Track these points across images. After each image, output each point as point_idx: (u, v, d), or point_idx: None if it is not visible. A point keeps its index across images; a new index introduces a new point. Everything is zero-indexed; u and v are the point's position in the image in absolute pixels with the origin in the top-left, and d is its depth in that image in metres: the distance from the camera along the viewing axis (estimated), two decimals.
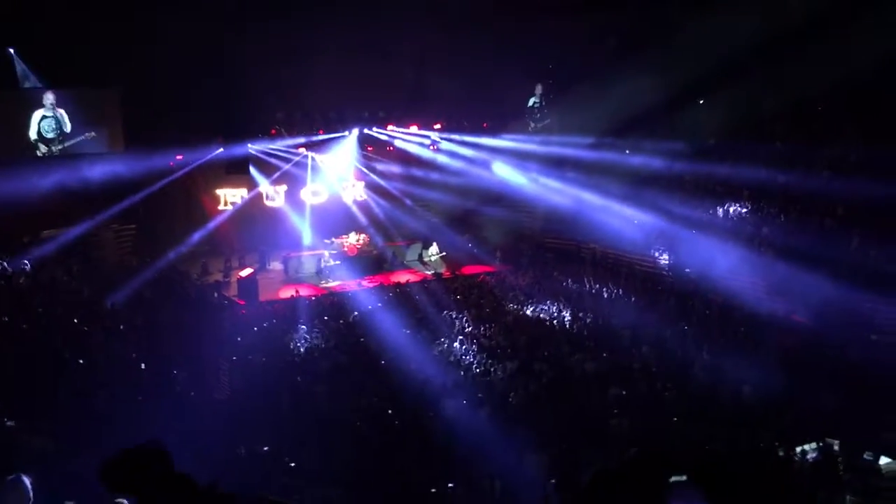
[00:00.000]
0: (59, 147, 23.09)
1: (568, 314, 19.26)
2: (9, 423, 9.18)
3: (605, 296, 20.92)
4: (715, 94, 24.30)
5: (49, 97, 22.90)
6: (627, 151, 26.55)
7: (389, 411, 12.33)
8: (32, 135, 22.76)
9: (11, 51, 22.25)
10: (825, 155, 21.14)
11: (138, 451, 2.83)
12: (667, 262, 22.69)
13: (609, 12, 24.80)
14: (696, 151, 25.08)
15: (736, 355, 14.47)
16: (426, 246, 27.20)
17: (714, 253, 20.12)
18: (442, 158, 29.76)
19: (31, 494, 4.35)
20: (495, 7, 25.42)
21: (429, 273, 25.46)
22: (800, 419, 11.15)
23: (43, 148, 22.91)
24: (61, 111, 22.97)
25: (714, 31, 22.73)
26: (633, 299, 20.17)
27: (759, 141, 23.29)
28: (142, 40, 20.70)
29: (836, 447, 9.65)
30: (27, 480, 4.37)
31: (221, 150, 25.81)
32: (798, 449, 9.77)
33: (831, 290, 16.30)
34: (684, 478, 2.20)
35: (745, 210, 22.04)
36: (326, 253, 25.50)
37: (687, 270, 21.33)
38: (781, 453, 9.66)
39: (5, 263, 17.00)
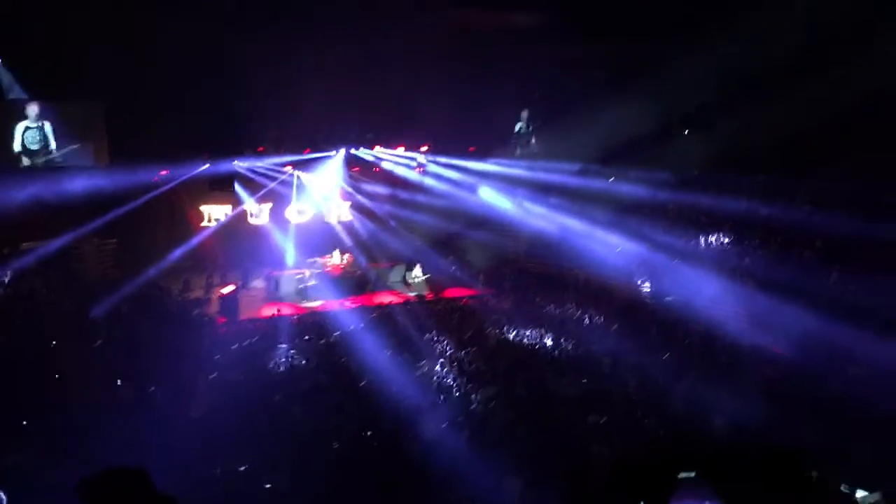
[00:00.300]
0: (43, 159, 22.97)
1: (549, 340, 19.26)
2: None
3: (588, 322, 20.95)
4: (700, 125, 24.59)
5: (33, 109, 22.83)
6: (612, 179, 26.72)
7: (368, 432, 12.25)
8: (16, 147, 22.65)
9: None
10: (806, 188, 21.41)
11: (120, 471, 2.79)
12: (649, 290, 22.81)
13: (596, 41, 25.05)
14: (681, 181, 25.30)
15: (716, 385, 14.49)
16: (410, 268, 27.20)
17: (696, 282, 20.23)
18: (428, 181, 29.85)
19: None
20: (483, 32, 25.64)
21: (411, 295, 25.42)
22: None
23: (26, 160, 22.79)
24: (46, 123, 22.88)
25: (701, 63, 23.06)
26: (614, 326, 20.21)
27: (742, 172, 23.53)
28: (129, 54, 20.66)
29: (813, 478, 9.63)
30: (3, 495, 4.29)
31: (207, 165, 25.78)
32: None
33: (811, 323, 16.40)
34: (693, 474, 2.20)
35: (727, 241, 22.23)
36: (307, 272, 25.43)
37: (669, 299, 21.44)
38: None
39: None
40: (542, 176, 27.75)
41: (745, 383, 14.82)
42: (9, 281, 17.60)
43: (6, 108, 22.84)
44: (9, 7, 19.83)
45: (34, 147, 22.89)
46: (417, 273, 26.80)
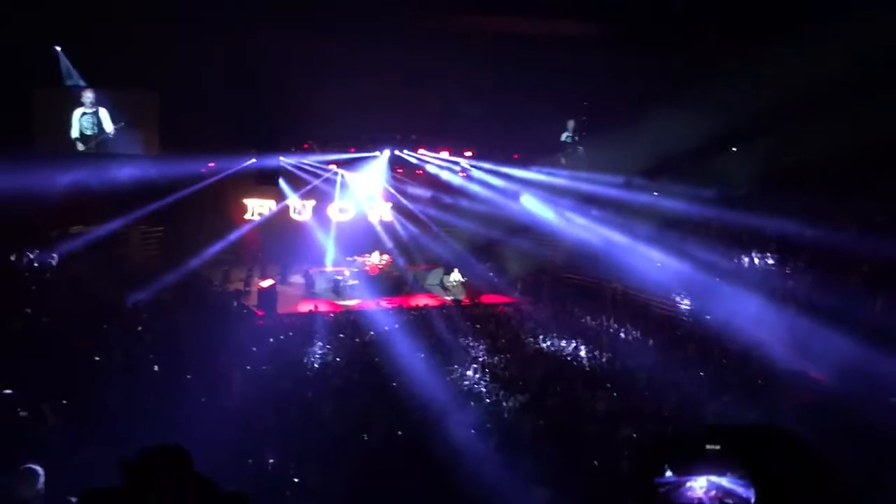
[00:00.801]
0: (97, 145, 23.51)
1: (584, 351, 19.14)
2: (21, 413, 9.26)
3: (623, 336, 20.78)
4: (748, 142, 24.26)
5: (89, 95, 23.38)
6: (656, 193, 26.49)
7: (404, 431, 12.28)
8: (74, 132, 23.23)
9: (58, 49, 22.74)
10: (854, 210, 20.98)
11: (162, 449, 2.85)
12: (688, 306, 22.54)
13: (646, 52, 24.86)
14: (726, 199, 24.97)
15: (750, 406, 14.28)
16: (448, 271, 27.24)
17: (736, 302, 19.93)
18: (471, 186, 29.92)
19: (43, 484, 4.40)
20: (531, 39, 25.58)
21: (448, 299, 25.44)
22: None
23: (81, 145, 23.35)
24: (101, 110, 23.42)
25: (751, 79, 22.78)
26: (650, 341, 20.01)
27: (789, 192, 23.15)
28: (185, 46, 21.04)
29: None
30: (40, 470, 4.41)
31: (253, 160, 26.11)
32: None
33: (852, 349, 16.05)
34: (718, 447, 2.22)
35: (770, 261, 21.86)
36: (347, 271, 25.61)
37: (707, 317, 21.16)
38: None
39: (32, 256, 17.24)
40: (585, 186, 27.59)
41: (780, 406, 14.58)
42: (55, 264, 18.01)
43: (64, 94, 23.44)
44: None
45: (89, 132, 23.45)
46: (455, 277, 26.84)
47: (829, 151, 22.14)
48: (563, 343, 19.97)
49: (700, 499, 2.19)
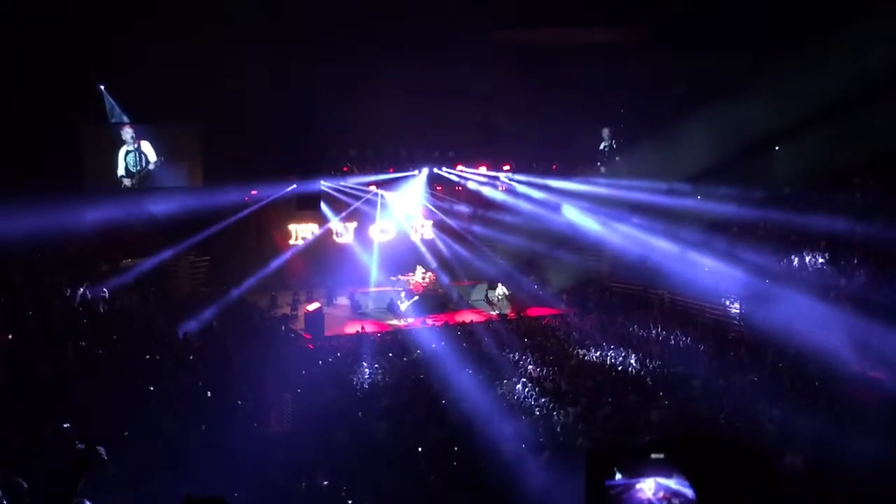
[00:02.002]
0: (140, 179, 24.05)
1: (634, 360, 18.88)
2: (79, 446, 9.42)
3: (673, 343, 20.46)
4: (793, 140, 23.82)
5: (131, 132, 23.96)
6: (699, 197, 26.17)
7: (455, 448, 12.23)
8: (120, 170, 23.80)
9: (102, 87, 23.36)
10: None
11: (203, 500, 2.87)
12: (738, 310, 22.12)
13: (682, 55, 24.65)
14: (772, 199, 24.54)
15: (810, 410, 13.93)
16: (493, 286, 27.18)
17: (787, 304, 19.51)
18: (510, 199, 29.91)
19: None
20: (564, 50, 25.56)
21: (493, 314, 25.36)
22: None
23: (127, 181, 23.90)
24: (145, 143, 23.97)
25: (793, 77, 22.42)
26: (701, 347, 19.66)
27: (836, 190, 22.69)
28: (225, 77, 21.46)
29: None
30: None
31: (294, 186, 26.44)
32: None
33: None
34: (661, 455, 2.40)
35: (821, 261, 21.37)
36: (403, 292, 25.75)
37: (759, 320, 20.72)
38: None
39: (85, 291, 17.62)
40: (626, 194, 27.36)
41: (842, 409, 14.20)
42: (108, 297, 18.39)
43: (110, 130, 24.02)
44: (112, 35, 20.87)
45: (133, 168, 24.00)
46: (501, 291, 26.77)
47: (877, 147, 21.70)
48: (612, 352, 19.73)
49: (649, 500, 2.34)
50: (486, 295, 27.15)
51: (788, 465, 11.37)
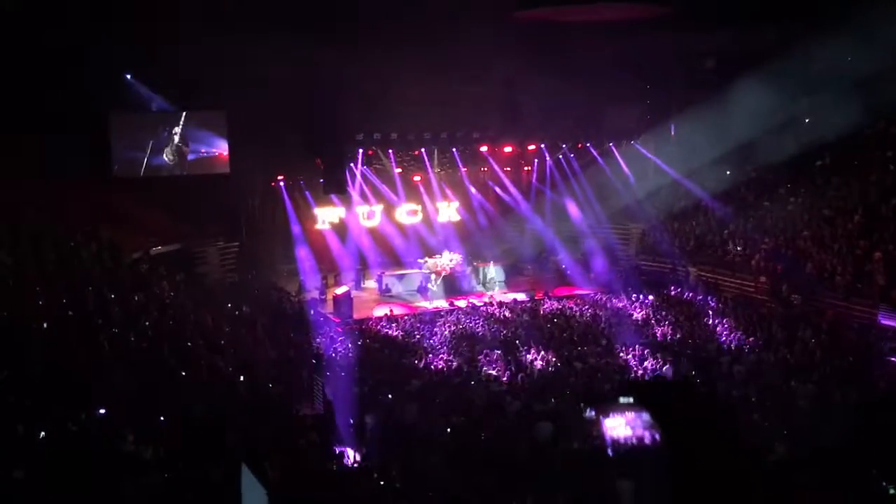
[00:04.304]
0: (167, 167, 24.28)
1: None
2: (115, 433, 9.62)
3: (704, 320, 20.29)
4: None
5: (161, 118, 24.17)
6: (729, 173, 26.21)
7: (481, 435, 12.27)
8: (147, 157, 24.00)
9: (128, 76, 23.53)
10: None
11: None
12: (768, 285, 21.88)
13: (709, 30, 24.34)
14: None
15: (843, 385, 13.79)
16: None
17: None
18: (536, 178, 29.90)
19: None
20: (588, 26, 25.25)
21: (516, 296, 25.24)
22: None
23: (155, 168, 24.11)
24: (174, 131, 24.16)
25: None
26: (732, 324, 19.47)
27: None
28: (250, 63, 21.50)
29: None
30: None
31: (321, 170, 26.50)
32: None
33: None
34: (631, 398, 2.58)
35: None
36: (433, 276, 25.77)
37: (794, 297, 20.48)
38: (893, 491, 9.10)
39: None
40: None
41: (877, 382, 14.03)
42: (139, 285, 18.61)
43: (138, 119, 24.22)
44: (136, 24, 21.00)
45: (162, 156, 24.21)
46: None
47: None
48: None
49: (616, 437, 2.46)
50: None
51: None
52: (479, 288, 26.42)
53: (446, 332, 19.95)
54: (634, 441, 2.48)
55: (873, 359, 15.96)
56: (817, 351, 16.41)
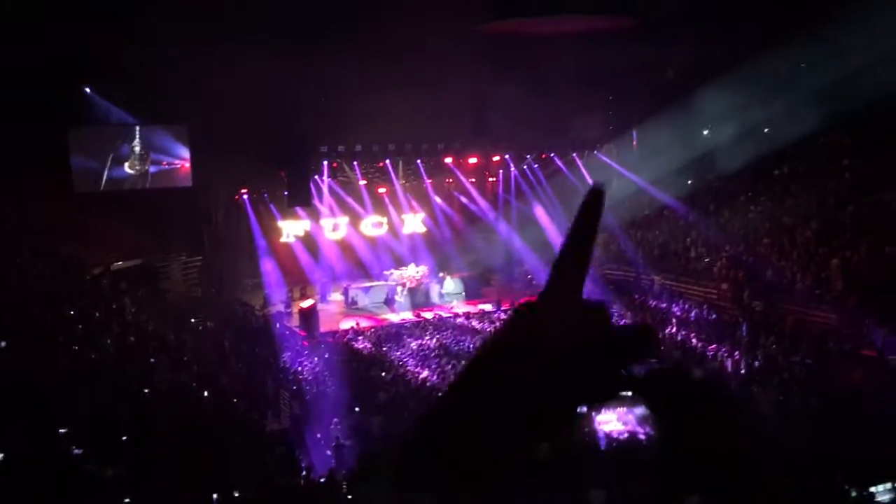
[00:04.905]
0: (130, 180, 23.94)
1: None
2: (77, 452, 9.43)
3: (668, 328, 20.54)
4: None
5: (121, 132, 23.83)
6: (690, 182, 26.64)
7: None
8: (108, 171, 23.61)
9: (87, 90, 23.18)
10: None
11: None
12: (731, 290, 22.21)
13: (671, 42, 24.73)
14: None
15: (804, 390, 14.05)
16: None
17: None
18: (501, 189, 30.07)
19: None
20: (551, 38, 25.50)
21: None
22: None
23: (115, 182, 23.75)
24: (134, 145, 23.83)
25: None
26: (695, 331, 19.74)
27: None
28: (210, 77, 21.32)
29: None
30: None
31: (285, 183, 26.34)
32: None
33: None
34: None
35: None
36: (399, 288, 25.70)
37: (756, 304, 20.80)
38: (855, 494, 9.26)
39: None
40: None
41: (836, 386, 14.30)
42: (100, 301, 18.33)
43: (97, 133, 23.83)
44: (95, 37, 20.72)
45: (123, 169, 23.84)
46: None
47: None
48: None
49: (609, 433, 2.35)
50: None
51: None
52: (437, 300, 26.43)
53: (413, 345, 19.95)
54: (627, 436, 2.43)
55: (832, 364, 16.25)
56: (779, 357, 16.70)
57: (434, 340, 20.43)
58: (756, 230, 23.29)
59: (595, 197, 0.97)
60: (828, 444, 11.45)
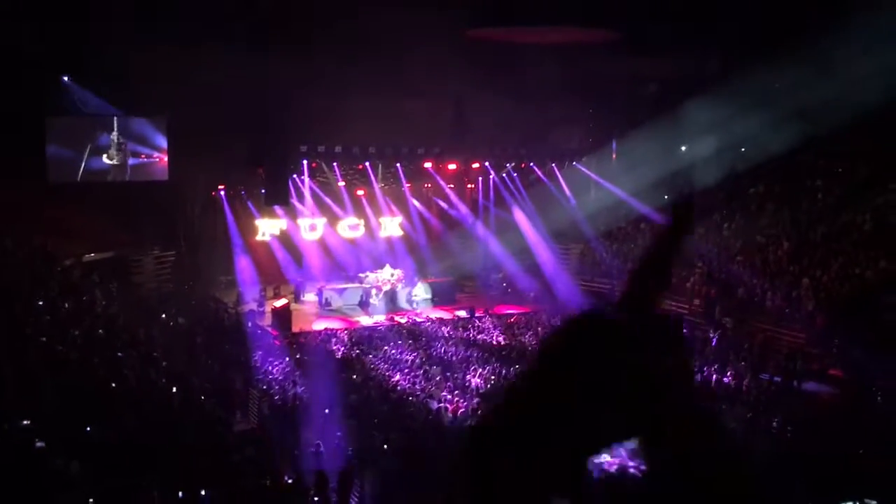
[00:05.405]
0: (104, 172, 23.66)
1: None
2: (39, 445, 9.28)
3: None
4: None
5: (99, 123, 23.56)
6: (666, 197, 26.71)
7: (418, 450, 12.24)
8: (84, 162, 23.31)
9: (66, 79, 22.89)
10: None
11: None
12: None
13: (654, 56, 24.96)
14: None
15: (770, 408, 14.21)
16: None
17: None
18: (480, 196, 30.15)
19: None
20: (537, 48, 25.65)
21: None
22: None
23: (91, 173, 23.44)
24: (112, 136, 23.54)
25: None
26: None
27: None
28: (187, 72, 21.15)
29: None
30: None
31: (263, 181, 26.19)
32: None
33: None
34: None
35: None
36: (374, 291, 25.62)
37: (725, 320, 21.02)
38: None
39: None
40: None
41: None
42: (69, 293, 18.08)
43: (74, 124, 23.53)
44: (80, 27, 20.53)
45: (99, 161, 23.54)
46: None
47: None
48: None
49: (600, 465, 2.25)
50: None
51: None
52: (405, 305, 26.36)
53: (386, 349, 19.90)
54: (616, 468, 2.31)
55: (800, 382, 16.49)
56: (747, 374, 16.89)
57: (407, 345, 20.42)
58: (729, 248, 23.55)
59: (683, 210, 0.97)
60: (793, 462, 11.59)
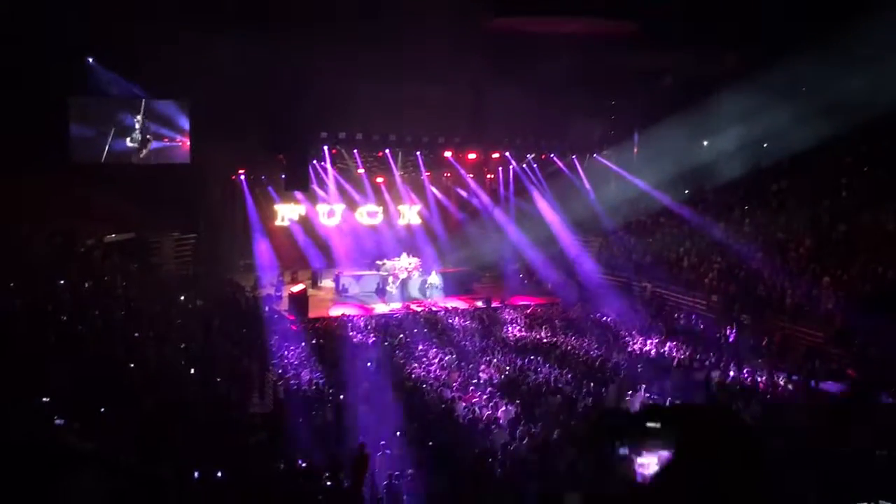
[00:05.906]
0: (126, 154, 23.79)
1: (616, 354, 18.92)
2: (58, 422, 9.37)
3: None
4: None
5: (122, 105, 23.69)
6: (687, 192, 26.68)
7: (430, 440, 12.26)
8: (107, 144, 23.46)
9: (90, 60, 23.01)
10: None
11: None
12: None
13: (671, 53, 24.74)
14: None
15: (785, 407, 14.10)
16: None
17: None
18: (500, 186, 30.10)
19: None
20: (559, 39, 25.43)
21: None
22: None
23: (114, 155, 23.59)
24: (134, 119, 23.67)
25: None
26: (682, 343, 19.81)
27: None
28: (214, 56, 21.20)
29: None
30: None
31: (283, 166, 26.30)
32: None
33: None
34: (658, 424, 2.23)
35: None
36: (391, 278, 25.67)
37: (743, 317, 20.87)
38: None
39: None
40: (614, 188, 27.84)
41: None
42: (89, 273, 18.24)
43: (98, 105, 23.68)
44: (101, 9, 20.59)
45: (122, 143, 23.68)
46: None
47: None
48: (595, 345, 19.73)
49: (647, 475, 2.18)
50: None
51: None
52: (418, 294, 26.31)
53: (402, 336, 19.93)
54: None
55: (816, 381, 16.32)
56: (764, 372, 16.76)
57: (423, 335, 20.43)
58: (749, 244, 23.35)
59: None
60: (808, 461, 11.50)
